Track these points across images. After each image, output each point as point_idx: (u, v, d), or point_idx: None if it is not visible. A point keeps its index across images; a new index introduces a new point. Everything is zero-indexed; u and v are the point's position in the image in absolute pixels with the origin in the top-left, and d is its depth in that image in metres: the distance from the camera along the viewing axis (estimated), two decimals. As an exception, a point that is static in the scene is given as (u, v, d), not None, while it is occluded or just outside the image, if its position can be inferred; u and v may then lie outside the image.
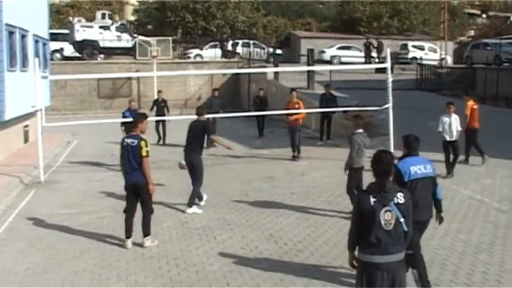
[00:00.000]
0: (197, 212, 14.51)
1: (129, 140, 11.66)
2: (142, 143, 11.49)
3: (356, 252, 6.85)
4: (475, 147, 19.88)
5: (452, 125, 18.28)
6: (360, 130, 13.91)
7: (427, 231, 9.83)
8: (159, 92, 29.42)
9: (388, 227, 6.44)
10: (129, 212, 11.91)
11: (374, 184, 6.63)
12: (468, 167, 19.20)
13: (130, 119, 20.32)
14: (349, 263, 7.08)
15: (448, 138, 18.24)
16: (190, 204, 14.64)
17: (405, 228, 6.54)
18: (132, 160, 11.57)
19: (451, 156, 18.22)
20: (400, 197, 6.54)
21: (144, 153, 11.46)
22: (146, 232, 11.83)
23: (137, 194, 11.77)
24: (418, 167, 9.06)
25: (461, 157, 19.16)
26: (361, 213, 6.52)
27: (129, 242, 11.78)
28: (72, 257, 11.31)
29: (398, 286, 6.53)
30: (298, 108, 22.08)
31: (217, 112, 25.90)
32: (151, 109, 27.52)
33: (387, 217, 6.43)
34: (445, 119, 18.34)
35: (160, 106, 27.52)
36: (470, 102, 20.19)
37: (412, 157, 9.23)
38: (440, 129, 18.30)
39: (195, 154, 14.90)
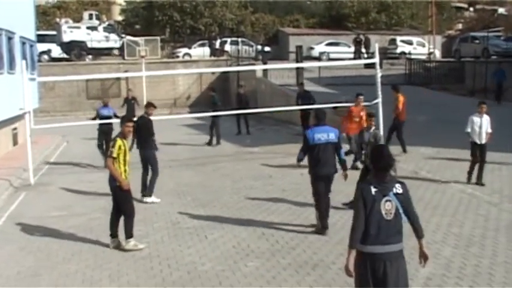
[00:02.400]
0: (156, 201, 15.56)
1: None
2: (111, 143, 11.69)
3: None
4: (399, 138, 20.48)
5: (483, 126, 16.46)
6: (374, 128, 14.27)
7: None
8: (129, 90, 29.85)
9: (389, 216, 6.50)
10: (112, 213, 12.08)
11: (374, 177, 6.71)
12: (459, 161, 19.20)
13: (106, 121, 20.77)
14: (346, 266, 6.67)
15: (477, 141, 16.47)
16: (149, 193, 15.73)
17: (404, 218, 6.62)
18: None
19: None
20: (398, 188, 6.63)
21: (108, 154, 11.66)
22: (127, 235, 11.72)
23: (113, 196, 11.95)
24: (321, 135, 12.11)
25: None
26: (364, 204, 6.53)
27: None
28: (64, 259, 11.26)
29: (400, 275, 6.57)
30: (363, 116, 18.50)
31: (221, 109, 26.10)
32: (122, 106, 28.39)
33: (388, 207, 6.51)
34: (476, 119, 16.51)
35: (131, 104, 28.17)
36: (402, 98, 21.05)
37: (319, 127, 12.25)
38: (469, 129, 16.48)
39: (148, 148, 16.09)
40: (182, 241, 12.04)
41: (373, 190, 6.53)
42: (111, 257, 11.21)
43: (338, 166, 12.39)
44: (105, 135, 21.09)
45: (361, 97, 19.54)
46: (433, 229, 12.09)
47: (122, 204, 11.75)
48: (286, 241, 11.79)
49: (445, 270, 9.85)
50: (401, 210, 6.57)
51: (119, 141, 11.53)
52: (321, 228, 12.26)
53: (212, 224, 13.25)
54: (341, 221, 12.81)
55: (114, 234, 11.85)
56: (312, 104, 24.01)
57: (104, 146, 20.85)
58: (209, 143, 25.57)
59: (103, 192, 16.71)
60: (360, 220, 6.51)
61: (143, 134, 15.96)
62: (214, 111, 25.28)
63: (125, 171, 11.66)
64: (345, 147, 15.29)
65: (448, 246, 11.11)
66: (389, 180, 6.64)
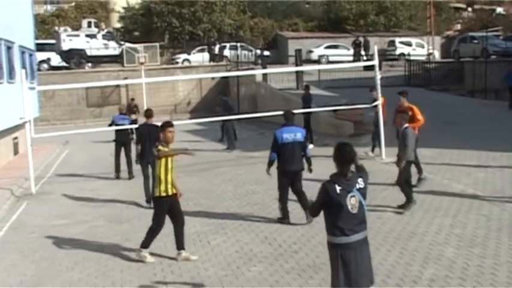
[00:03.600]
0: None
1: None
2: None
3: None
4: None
5: None
6: (406, 125, 14.14)
7: (420, 227, 11.40)
8: (132, 99, 30.05)
9: (354, 210, 7.06)
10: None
11: (336, 174, 7.19)
12: (460, 161, 19.19)
13: (122, 127, 20.46)
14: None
15: None
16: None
17: (365, 209, 7.21)
18: None
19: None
20: (360, 182, 7.18)
21: (156, 154, 10.95)
22: (143, 244, 11.37)
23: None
24: (289, 134, 13.18)
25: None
26: (328, 201, 7.09)
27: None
28: (67, 267, 11.25)
29: (365, 258, 7.18)
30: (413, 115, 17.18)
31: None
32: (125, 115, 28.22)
33: (353, 201, 7.06)
34: None
35: (133, 112, 28.38)
36: (382, 99, 21.01)
37: (287, 127, 13.37)
38: None
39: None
40: (185, 247, 12.01)
41: (338, 188, 7.06)
42: (114, 265, 11.20)
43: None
44: (123, 146, 20.71)
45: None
46: (435, 230, 12.08)
47: (155, 215, 11.32)
48: (289, 245, 11.79)
49: (448, 271, 9.83)
50: (363, 203, 7.16)
51: (162, 149, 10.92)
52: (282, 217, 13.52)
53: (215, 229, 13.24)
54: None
55: (179, 247, 11.40)
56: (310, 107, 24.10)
57: (126, 159, 20.45)
58: (228, 148, 25.67)
59: (105, 200, 16.79)
60: (318, 206, 7.31)
61: (150, 141, 15.85)
62: (229, 115, 25.33)
63: (169, 181, 11.03)
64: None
65: (451, 247, 11.09)
66: (351, 177, 7.16)
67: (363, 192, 7.18)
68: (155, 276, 10.44)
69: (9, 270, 11.29)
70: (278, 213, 13.82)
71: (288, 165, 13.23)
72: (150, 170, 15.84)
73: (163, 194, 10.98)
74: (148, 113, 16.66)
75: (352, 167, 7.30)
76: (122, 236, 13.19)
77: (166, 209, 11.17)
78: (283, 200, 13.52)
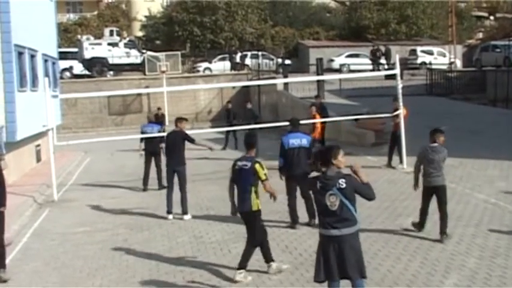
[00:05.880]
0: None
1: (241, 163, 10.72)
2: (258, 166, 10.63)
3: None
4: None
5: None
6: (435, 144, 12.54)
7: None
8: (159, 109, 30.08)
9: (333, 207, 7.79)
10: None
11: (321, 173, 7.98)
12: (482, 171, 19.08)
13: (150, 135, 20.17)
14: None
15: None
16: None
17: (350, 207, 7.83)
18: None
19: None
20: (342, 183, 7.78)
21: (263, 177, 10.67)
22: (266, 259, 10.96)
23: (245, 222, 11.08)
24: (295, 140, 13.76)
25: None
26: (314, 195, 8.13)
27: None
28: (88, 274, 11.32)
29: (351, 256, 7.80)
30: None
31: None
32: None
33: (332, 199, 7.78)
34: None
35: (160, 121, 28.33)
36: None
37: (293, 133, 14.00)
38: None
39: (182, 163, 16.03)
40: (205, 255, 12.04)
41: (318, 185, 7.92)
42: (135, 272, 11.25)
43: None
44: (153, 156, 20.07)
45: None
46: (456, 240, 12.01)
47: (259, 227, 11.04)
48: (310, 254, 11.74)
49: (470, 281, 9.78)
50: (346, 202, 7.78)
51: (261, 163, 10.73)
52: (292, 222, 13.89)
53: (236, 238, 13.24)
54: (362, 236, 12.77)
55: (268, 260, 11.00)
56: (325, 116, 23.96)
57: (156, 169, 19.92)
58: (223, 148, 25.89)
59: (126, 208, 16.86)
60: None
61: (175, 149, 15.97)
62: (256, 123, 25.31)
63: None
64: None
65: (473, 257, 11.02)
66: (332, 177, 7.86)
67: (345, 192, 7.78)
68: (176, 284, 10.47)
69: (32, 277, 11.37)
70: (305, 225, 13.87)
71: (294, 169, 13.68)
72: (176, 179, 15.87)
73: (261, 207, 10.97)
74: (177, 120, 16.80)
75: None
76: (142, 244, 13.23)
77: None
78: (291, 204, 13.92)
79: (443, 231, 12.06)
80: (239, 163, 10.66)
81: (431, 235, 12.33)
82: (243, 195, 10.69)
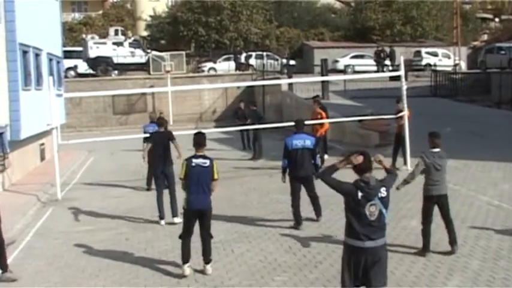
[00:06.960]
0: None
1: (197, 161, 10.92)
2: (216, 165, 11.00)
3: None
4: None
5: None
6: (438, 149, 11.89)
7: (445, 239, 11.36)
8: (161, 113, 30.03)
9: (372, 217, 7.42)
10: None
11: (360, 181, 7.52)
12: (486, 173, 19.05)
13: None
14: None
15: None
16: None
17: (386, 216, 7.54)
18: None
19: None
20: (383, 192, 7.50)
21: (216, 176, 10.99)
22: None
23: (200, 218, 11.11)
24: (298, 141, 13.79)
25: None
26: (348, 202, 7.55)
27: (186, 268, 10.94)
28: (91, 274, 11.31)
29: (378, 267, 7.46)
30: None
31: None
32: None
33: (372, 209, 7.42)
34: None
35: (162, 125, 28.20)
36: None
37: (297, 134, 14.02)
38: None
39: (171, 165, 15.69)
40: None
41: (360, 195, 7.44)
42: (138, 273, 11.24)
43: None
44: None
45: None
46: (460, 242, 11.95)
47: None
48: (313, 255, 11.76)
49: (473, 283, 9.77)
50: (384, 211, 7.50)
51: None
52: (295, 223, 13.89)
53: (239, 238, 13.25)
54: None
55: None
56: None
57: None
58: (253, 158, 25.62)
59: (130, 207, 16.85)
60: (337, 184, 7.66)
61: (167, 149, 15.80)
62: (260, 124, 25.30)
63: None
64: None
65: (476, 259, 11.01)
66: (374, 186, 7.48)
67: (385, 201, 7.50)
68: (179, 284, 10.48)
69: (34, 277, 11.36)
70: (308, 226, 13.87)
71: (297, 170, 13.80)
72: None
73: None
74: (161, 120, 16.81)
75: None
76: (146, 244, 13.23)
77: None
78: (294, 205, 13.95)
79: (455, 240, 11.42)
80: (195, 160, 10.90)
81: (440, 245, 12.31)
82: (202, 192, 10.91)
